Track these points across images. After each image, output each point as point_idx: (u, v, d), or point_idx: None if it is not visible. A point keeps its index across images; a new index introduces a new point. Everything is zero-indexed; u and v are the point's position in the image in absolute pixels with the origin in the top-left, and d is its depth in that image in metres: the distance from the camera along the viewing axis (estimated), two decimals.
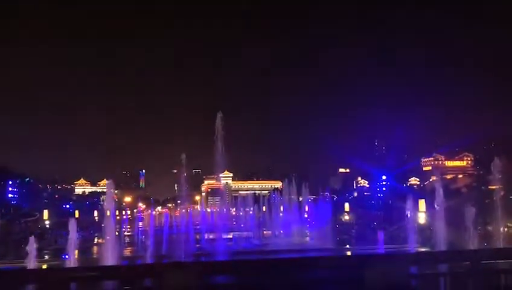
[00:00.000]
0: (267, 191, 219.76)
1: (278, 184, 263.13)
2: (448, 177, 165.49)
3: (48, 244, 67.41)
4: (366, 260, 9.43)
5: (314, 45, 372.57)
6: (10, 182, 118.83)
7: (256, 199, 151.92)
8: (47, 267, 37.98)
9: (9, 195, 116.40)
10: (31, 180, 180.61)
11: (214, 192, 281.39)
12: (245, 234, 71.67)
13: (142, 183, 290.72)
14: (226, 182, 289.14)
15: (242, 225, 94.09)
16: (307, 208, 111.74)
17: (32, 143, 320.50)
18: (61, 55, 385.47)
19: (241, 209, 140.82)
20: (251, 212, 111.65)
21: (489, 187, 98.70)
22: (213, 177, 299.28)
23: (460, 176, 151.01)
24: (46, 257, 54.35)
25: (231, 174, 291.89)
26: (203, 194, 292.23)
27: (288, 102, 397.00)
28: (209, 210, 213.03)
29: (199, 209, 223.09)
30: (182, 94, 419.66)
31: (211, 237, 69.34)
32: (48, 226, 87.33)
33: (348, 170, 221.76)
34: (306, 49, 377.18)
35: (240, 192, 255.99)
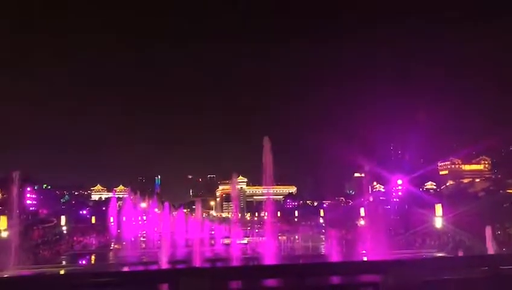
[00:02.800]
0: (281, 196, 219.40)
1: (293, 189, 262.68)
2: (465, 181, 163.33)
3: (65, 250, 68.17)
4: (382, 265, 9.34)
5: (327, 45, 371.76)
6: (28, 189, 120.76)
7: (271, 203, 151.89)
8: (64, 273, 38.38)
9: (28, 201, 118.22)
10: (49, 187, 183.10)
11: (228, 197, 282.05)
12: (260, 239, 71.58)
13: (157, 189, 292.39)
14: (241, 187, 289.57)
15: (256, 230, 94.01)
16: (322, 213, 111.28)
17: (49, 150, 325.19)
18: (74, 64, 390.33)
19: (256, 214, 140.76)
20: (265, 217, 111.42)
21: (508, 191, 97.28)
22: (228, 183, 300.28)
23: (477, 180, 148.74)
24: (64, 262, 54.97)
25: (245, 179, 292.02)
26: (218, 199, 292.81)
27: (302, 105, 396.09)
28: (224, 215, 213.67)
29: (214, 214, 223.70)
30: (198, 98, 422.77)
31: (225, 242, 69.45)
32: (65, 231, 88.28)
33: (363, 175, 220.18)
34: (322, 51, 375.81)
35: (255, 197, 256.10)
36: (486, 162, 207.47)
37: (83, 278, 9.65)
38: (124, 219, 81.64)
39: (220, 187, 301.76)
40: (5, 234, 61.84)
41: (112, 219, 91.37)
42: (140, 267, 38.31)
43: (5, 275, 34.01)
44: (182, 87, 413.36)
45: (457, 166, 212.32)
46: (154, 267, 45.07)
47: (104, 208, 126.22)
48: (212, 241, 72.28)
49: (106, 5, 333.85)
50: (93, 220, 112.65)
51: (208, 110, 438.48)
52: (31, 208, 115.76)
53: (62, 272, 40.56)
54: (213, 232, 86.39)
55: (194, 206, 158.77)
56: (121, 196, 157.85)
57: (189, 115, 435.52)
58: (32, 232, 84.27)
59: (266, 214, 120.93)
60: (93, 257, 59.91)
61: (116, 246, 72.09)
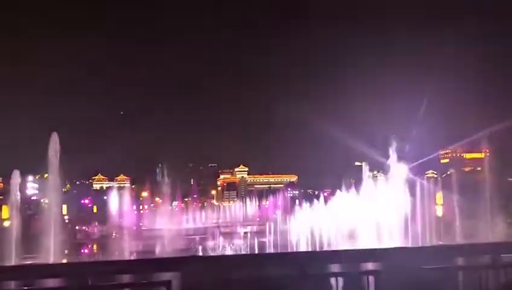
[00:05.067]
0: (282, 185, 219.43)
1: (294, 178, 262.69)
2: (467, 169, 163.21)
3: (67, 239, 68.47)
4: (380, 253, 9.38)
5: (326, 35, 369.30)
6: (30, 178, 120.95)
7: (272, 192, 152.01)
8: (66, 262, 38.65)
9: (29, 191, 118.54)
10: (50, 176, 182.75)
11: (229, 186, 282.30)
12: (260, 227, 71.93)
13: (158, 178, 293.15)
14: (242, 176, 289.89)
15: (258, 219, 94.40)
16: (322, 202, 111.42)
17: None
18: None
19: (257, 202, 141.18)
20: (267, 206, 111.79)
21: (509, 179, 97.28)
22: (229, 172, 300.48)
23: (479, 168, 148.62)
24: (66, 251, 55.22)
25: (246, 169, 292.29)
26: (219, 188, 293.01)
27: (304, 94, 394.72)
28: (225, 204, 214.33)
29: (215, 203, 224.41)
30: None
31: (227, 230, 69.83)
32: (66, 221, 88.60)
33: (363, 164, 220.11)
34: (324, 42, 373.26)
35: (256, 186, 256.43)
36: (487, 151, 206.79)
37: (83, 267, 9.67)
38: (126, 208, 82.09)
39: (221, 176, 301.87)
40: (7, 224, 62.17)
41: (113, 208, 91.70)
42: (141, 256, 38.49)
43: (8, 264, 34.24)
44: (181, 76, 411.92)
45: (458, 154, 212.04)
46: (155, 256, 45.33)
47: (105, 197, 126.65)
48: (214, 230, 72.69)
49: None
50: (94, 209, 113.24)
51: (210, 101, 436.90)
52: (32, 198, 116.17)
53: (64, 261, 40.83)
54: (214, 221, 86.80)
55: (195, 195, 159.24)
56: (122, 185, 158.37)
57: (191, 103, 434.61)
58: (34, 221, 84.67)
59: (267, 202, 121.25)
60: (94, 246, 60.33)
61: (117, 235, 72.45)
